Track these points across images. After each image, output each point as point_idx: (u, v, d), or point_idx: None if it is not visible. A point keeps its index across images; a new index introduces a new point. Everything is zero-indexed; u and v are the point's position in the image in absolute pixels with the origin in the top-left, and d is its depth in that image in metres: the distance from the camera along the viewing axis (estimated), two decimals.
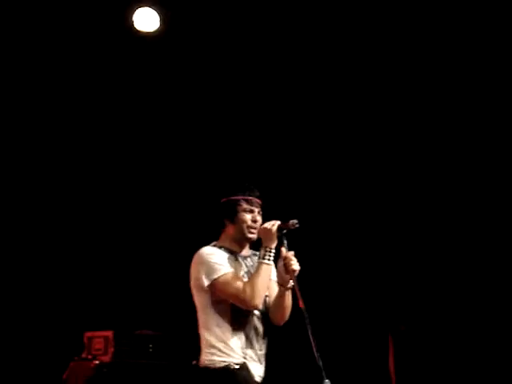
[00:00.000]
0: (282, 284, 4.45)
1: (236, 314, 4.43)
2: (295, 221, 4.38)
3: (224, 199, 4.54)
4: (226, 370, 4.36)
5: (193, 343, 4.74)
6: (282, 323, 4.57)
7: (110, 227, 7.48)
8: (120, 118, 7.42)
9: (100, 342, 6.44)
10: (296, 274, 4.35)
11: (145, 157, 7.55)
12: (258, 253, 4.51)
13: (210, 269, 4.40)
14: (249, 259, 4.55)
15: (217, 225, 4.55)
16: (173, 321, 6.83)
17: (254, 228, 4.50)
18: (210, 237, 4.52)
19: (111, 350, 6.38)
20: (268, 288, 4.52)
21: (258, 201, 4.57)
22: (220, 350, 4.41)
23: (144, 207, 7.53)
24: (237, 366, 4.38)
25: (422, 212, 7.12)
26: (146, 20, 6.79)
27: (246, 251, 4.56)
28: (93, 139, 7.43)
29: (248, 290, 4.36)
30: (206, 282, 4.39)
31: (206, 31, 6.98)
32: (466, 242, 6.93)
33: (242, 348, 4.42)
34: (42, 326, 7.11)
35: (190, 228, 6.94)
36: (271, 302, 4.54)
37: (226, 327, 4.44)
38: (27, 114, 7.20)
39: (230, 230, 4.55)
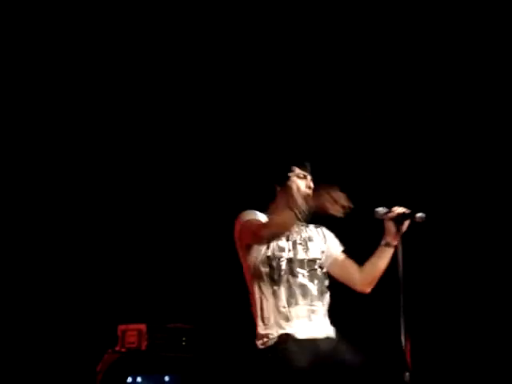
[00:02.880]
0: (387, 242, 4.54)
1: (272, 274, 4.50)
2: (423, 215, 4.41)
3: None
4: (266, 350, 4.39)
5: (225, 336, 4.79)
6: (369, 289, 4.69)
7: (144, 219, 7.48)
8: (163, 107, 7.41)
9: (134, 335, 6.47)
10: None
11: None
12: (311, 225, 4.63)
13: (243, 220, 4.53)
14: (302, 231, 4.64)
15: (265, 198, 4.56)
16: (205, 314, 6.84)
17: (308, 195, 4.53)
18: None
19: (145, 343, 6.40)
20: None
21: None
22: (262, 318, 4.49)
23: (176, 202, 7.53)
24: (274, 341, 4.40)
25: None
26: None
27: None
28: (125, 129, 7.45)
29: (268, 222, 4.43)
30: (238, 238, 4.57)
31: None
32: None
33: (284, 307, 4.46)
34: (76, 318, 7.15)
35: (225, 221, 6.93)
36: (364, 267, 4.63)
37: (266, 289, 4.52)
38: (23, 113, 7.20)
39: (281, 198, 4.59)
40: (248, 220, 4.53)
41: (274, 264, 4.54)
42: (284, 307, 4.52)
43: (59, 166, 7.32)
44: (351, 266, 4.75)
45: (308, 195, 4.53)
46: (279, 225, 4.42)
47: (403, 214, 4.43)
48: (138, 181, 7.50)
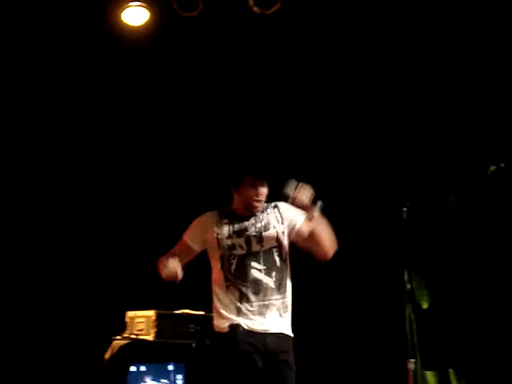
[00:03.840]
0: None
1: (225, 272, 4.83)
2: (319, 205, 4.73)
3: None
4: (219, 334, 4.73)
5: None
6: (326, 256, 4.89)
7: (150, 208, 7.49)
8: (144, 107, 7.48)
9: (142, 322, 6.45)
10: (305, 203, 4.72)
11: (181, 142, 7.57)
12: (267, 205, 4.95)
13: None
14: (251, 219, 4.92)
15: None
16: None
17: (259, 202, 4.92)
18: None
19: (153, 330, 6.38)
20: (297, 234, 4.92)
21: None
22: (217, 312, 4.81)
23: (175, 195, 7.54)
24: (225, 329, 4.73)
25: None
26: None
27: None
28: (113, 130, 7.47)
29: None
30: None
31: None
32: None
33: (236, 303, 4.76)
34: (83, 305, 7.15)
35: None
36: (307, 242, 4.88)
37: (221, 286, 4.86)
38: (25, 113, 7.20)
39: (236, 200, 4.96)
40: (179, 242, 5.00)
41: (225, 263, 4.84)
42: (236, 304, 4.79)
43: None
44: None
45: (255, 202, 4.90)
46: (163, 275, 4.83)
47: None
48: (139, 174, 7.55)
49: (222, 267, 4.86)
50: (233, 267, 4.83)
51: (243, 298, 4.79)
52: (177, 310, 6.61)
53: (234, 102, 7.49)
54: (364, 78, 7.27)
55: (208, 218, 4.98)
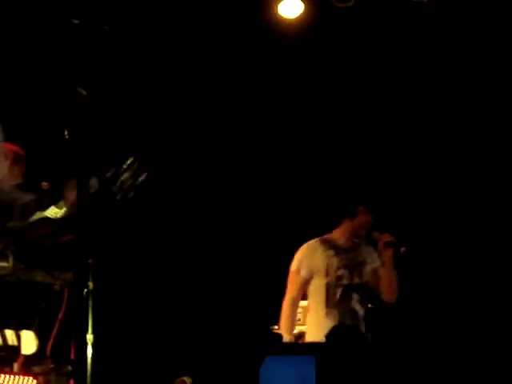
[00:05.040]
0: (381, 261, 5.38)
1: (328, 299, 5.30)
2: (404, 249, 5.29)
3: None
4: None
5: None
6: (390, 299, 5.43)
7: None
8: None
9: (300, 312, 6.44)
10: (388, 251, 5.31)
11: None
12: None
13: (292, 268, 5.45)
14: (353, 252, 5.40)
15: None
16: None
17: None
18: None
19: None
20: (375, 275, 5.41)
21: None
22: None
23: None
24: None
25: None
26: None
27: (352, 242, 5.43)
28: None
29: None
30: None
31: None
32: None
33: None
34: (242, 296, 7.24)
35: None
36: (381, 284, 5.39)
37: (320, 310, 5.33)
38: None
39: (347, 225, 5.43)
40: (290, 278, 5.43)
41: (331, 291, 5.30)
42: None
43: None
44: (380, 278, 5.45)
45: (365, 230, 5.40)
46: (282, 319, 5.44)
47: (388, 241, 5.30)
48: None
49: (327, 295, 5.29)
50: (337, 295, 5.28)
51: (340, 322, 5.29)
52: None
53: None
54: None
55: (315, 245, 5.40)
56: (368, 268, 5.41)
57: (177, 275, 7.18)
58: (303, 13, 6.95)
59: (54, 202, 3.72)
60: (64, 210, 3.62)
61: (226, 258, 7.37)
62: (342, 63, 7.29)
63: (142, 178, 3.64)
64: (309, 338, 5.43)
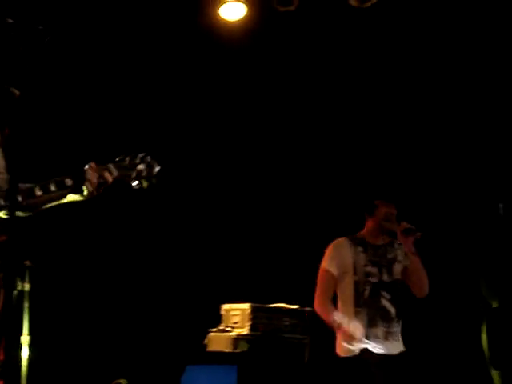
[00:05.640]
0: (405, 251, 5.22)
1: (357, 297, 5.13)
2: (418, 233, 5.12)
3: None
4: (348, 358, 5.06)
5: None
6: (420, 294, 5.26)
7: (249, 208, 7.53)
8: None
9: (237, 315, 6.47)
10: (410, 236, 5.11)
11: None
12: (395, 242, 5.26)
13: (322, 265, 5.28)
14: (382, 248, 5.22)
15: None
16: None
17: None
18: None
19: (248, 323, 6.39)
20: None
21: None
22: (345, 335, 5.07)
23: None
24: (357, 352, 5.03)
25: None
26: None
27: (382, 240, 5.25)
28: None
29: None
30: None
31: None
32: None
33: (364, 327, 5.04)
34: (179, 298, 7.22)
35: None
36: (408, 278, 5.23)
37: (349, 309, 5.13)
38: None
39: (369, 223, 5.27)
40: (320, 274, 5.27)
41: (360, 289, 5.14)
42: (365, 328, 5.07)
43: None
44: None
45: (388, 223, 5.22)
46: (322, 317, 5.19)
47: (406, 228, 5.13)
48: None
49: (356, 293, 5.14)
50: (366, 293, 5.13)
51: (372, 323, 5.10)
52: (272, 303, 6.61)
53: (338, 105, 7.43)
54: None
55: (344, 242, 5.26)
56: (399, 266, 5.24)
57: (114, 278, 7.13)
58: (245, 16, 6.96)
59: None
60: (86, 192, 3.51)
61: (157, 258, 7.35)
62: (284, 65, 7.32)
63: (157, 169, 3.56)
64: (344, 346, 5.17)
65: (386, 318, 5.13)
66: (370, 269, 5.17)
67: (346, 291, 5.19)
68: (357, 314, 5.11)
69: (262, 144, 7.56)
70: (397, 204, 5.26)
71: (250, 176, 7.55)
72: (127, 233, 7.20)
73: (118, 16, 6.79)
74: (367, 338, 5.08)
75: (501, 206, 5.38)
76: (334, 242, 5.31)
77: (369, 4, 6.72)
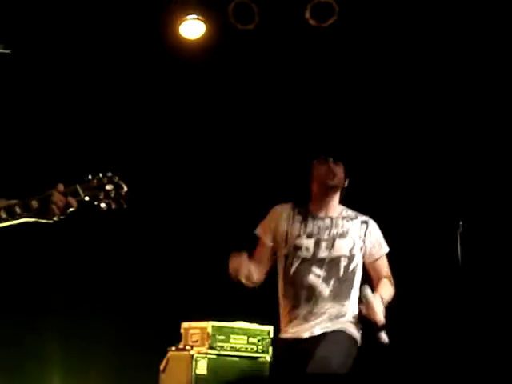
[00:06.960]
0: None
1: (285, 273, 4.56)
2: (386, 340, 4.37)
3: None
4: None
5: None
6: None
7: (204, 217, 7.49)
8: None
9: (197, 333, 6.45)
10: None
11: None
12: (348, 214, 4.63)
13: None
14: (327, 221, 4.57)
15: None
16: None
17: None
18: None
19: (208, 341, 6.36)
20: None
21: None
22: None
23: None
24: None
25: None
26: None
27: (331, 211, 4.61)
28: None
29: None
30: None
31: None
32: None
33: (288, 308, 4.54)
34: (139, 316, 7.18)
35: None
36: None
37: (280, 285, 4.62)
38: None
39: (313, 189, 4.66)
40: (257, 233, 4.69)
41: (288, 263, 4.55)
42: (287, 310, 4.57)
43: None
44: (380, 272, 4.68)
45: (329, 181, 4.57)
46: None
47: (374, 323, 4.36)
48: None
49: (284, 268, 4.57)
50: (292, 269, 4.53)
51: (295, 303, 4.54)
52: (231, 321, 6.59)
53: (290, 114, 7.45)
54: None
55: (281, 209, 4.65)
56: (347, 242, 4.55)
57: (72, 297, 7.10)
58: (204, 34, 6.98)
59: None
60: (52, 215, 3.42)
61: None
62: (244, 82, 7.35)
63: (125, 190, 3.48)
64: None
65: (311, 298, 4.46)
66: (302, 241, 4.51)
67: (279, 265, 4.60)
68: (285, 292, 4.55)
69: (221, 164, 7.54)
70: (340, 159, 4.61)
71: (208, 194, 7.54)
72: (85, 252, 7.15)
73: (77, 34, 6.78)
74: (290, 321, 4.54)
75: (461, 223, 5.34)
76: (276, 206, 4.68)
77: (327, 23, 6.78)
